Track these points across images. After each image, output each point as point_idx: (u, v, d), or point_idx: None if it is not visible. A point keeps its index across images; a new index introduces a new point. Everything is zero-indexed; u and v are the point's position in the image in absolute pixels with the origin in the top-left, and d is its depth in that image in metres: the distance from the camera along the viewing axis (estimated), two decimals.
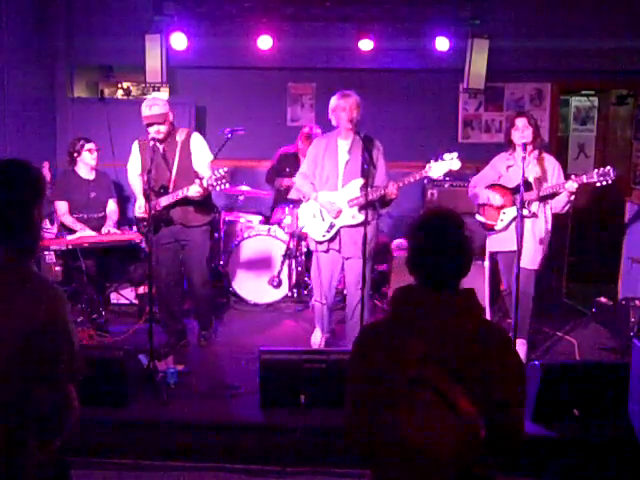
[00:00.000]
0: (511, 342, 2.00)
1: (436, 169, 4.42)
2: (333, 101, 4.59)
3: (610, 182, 4.36)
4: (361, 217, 4.50)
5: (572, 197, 4.50)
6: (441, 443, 1.80)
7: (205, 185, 4.45)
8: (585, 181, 4.39)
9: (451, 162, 4.40)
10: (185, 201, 4.64)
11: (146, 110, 4.54)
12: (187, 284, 5.11)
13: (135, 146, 4.87)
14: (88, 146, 5.54)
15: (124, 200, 6.44)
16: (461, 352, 1.87)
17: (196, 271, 4.90)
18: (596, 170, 4.41)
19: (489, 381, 1.85)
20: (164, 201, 4.65)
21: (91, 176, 5.64)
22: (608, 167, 4.36)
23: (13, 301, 1.94)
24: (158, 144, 4.61)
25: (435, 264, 1.97)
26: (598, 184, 4.39)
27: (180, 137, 4.70)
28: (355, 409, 1.98)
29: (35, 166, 2.11)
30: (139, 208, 4.73)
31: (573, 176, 4.47)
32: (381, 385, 1.90)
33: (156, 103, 4.59)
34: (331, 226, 4.65)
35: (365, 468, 2.04)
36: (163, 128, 4.58)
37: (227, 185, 4.45)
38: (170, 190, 4.67)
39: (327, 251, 4.74)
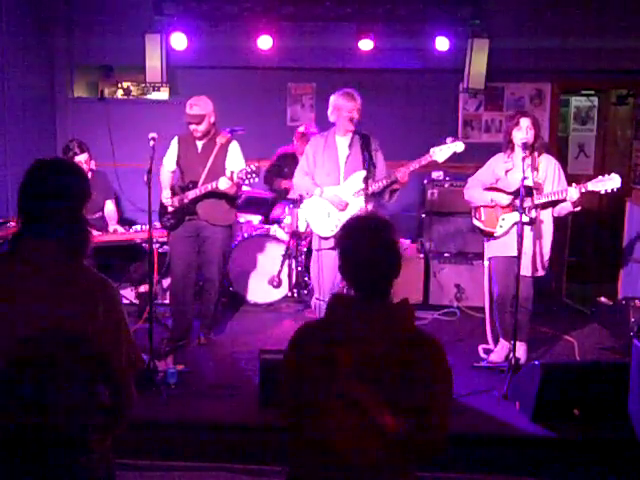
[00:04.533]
0: (441, 350, 1.97)
1: (440, 153, 4.46)
2: (335, 100, 4.56)
3: (615, 190, 4.24)
4: (368, 208, 4.48)
5: (578, 209, 4.40)
6: (362, 449, 1.84)
7: (235, 179, 4.58)
8: (589, 189, 4.28)
9: (455, 145, 4.44)
10: (214, 199, 4.77)
11: (187, 108, 4.78)
12: (203, 279, 5.15)
13: (174, 141, 5.00)
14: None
15: (121, 200, 6.44)
16: (389, 360, 1.87)
17: (215, 266, 4.98)
18: (600, 177, 4.29)
19: (416, 388, 1.85)
20: (192, 194, 4.79)
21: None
22: (613, 174, 4.26)
23: (70, 298, 1.91)
24: (197, 141, 4.87)
25: (361, 270, 1.97)
26: (602, 192, 4.29)
27: (220, 140, 4.87)
28: (287, 406, 2.04)
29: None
30: (165, 198, 4.88)
31: (574, 184, 4.33)
32: (308, 388, 1.94)
33: (197, 104, 4.79)
34: (339, 220, 4.56)
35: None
36: (201, 127, 4.78)
37: (257, 179, 4.62)
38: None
39: (334, 248, 4.69)
